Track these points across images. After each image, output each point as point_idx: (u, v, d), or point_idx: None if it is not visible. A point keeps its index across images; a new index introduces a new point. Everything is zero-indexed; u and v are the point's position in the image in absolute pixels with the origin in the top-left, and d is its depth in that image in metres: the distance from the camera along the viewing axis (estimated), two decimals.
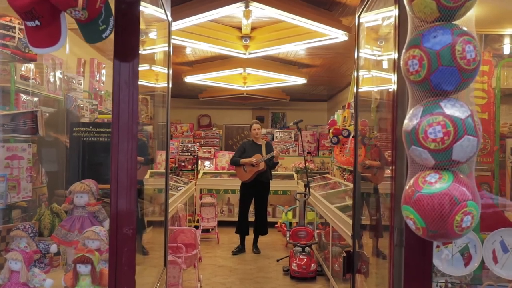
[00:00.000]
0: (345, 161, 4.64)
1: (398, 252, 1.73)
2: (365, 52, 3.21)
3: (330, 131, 4.63)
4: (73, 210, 2.65)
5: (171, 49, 3.25)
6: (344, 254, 2.60)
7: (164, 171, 3.28)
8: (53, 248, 2.39)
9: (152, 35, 3.93)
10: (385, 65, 3.11)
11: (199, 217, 7.67)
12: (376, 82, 3.28)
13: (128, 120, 1.76)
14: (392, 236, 1.76)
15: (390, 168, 1.83)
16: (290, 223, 7.93)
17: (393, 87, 1.79)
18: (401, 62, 1.49)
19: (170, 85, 3.21)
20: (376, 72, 3.29)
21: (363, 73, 3.19)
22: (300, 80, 8.84)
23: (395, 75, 1.81)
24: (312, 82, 9.83)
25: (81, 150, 3.13)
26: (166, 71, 3.22)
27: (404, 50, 1.48)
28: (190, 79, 8.71)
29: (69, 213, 2.67)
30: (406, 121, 1.47)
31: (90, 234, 2.26)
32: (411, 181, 1.45)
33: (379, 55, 3.28)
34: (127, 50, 1.79)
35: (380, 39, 3.23)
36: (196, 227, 6.89)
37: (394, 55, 1.84)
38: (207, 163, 10.30)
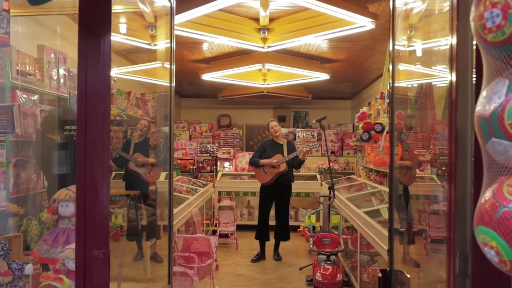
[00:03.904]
0: (378, 161, 4.09)
1: (460, 284, 1.27)
2: (401, 39, 2.76)
3: (360, 125, 4.11)
4: (58, 221, 2.28)
5: (174, 41, 2.84)
6: (379, 274, 2.14)
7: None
8: (28, 269, 2.00)
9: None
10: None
11: (217, 221, 7.27)
12: (416, 72, 2.84)
13: (99, 121, 1.35)
14: (452, 262, 1.30)
15: (446, 169, 1.37)
16: (314, 227, 7.50)
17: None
18: (472, 19, 1.03)
19: (174, 83, 2.81)
20: (417, 68, 2.85)
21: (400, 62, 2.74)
22: (323, 76, 8.35)
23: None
24: (336, 78, 9.35)
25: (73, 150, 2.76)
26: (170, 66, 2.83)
27: (474, 1, 1.02)
28: (207, 76, 8.33)
29: (53, 224, 2.30)
30: (480, 103, 1.01)
31: (70, 252, 1.86)
32: (491, 191, 0.98)
33: (423, 42, 2.85)
34: (96, 26, 1.39)
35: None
36: (215, 232, 6.49)
37: (452, 40, 1.39)
38: (226, 164, 9.91)
